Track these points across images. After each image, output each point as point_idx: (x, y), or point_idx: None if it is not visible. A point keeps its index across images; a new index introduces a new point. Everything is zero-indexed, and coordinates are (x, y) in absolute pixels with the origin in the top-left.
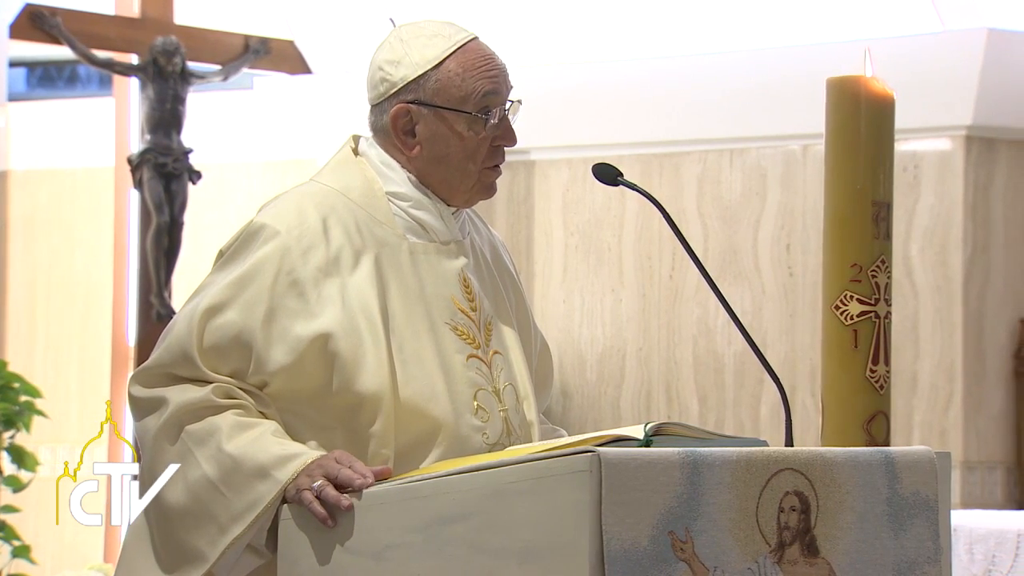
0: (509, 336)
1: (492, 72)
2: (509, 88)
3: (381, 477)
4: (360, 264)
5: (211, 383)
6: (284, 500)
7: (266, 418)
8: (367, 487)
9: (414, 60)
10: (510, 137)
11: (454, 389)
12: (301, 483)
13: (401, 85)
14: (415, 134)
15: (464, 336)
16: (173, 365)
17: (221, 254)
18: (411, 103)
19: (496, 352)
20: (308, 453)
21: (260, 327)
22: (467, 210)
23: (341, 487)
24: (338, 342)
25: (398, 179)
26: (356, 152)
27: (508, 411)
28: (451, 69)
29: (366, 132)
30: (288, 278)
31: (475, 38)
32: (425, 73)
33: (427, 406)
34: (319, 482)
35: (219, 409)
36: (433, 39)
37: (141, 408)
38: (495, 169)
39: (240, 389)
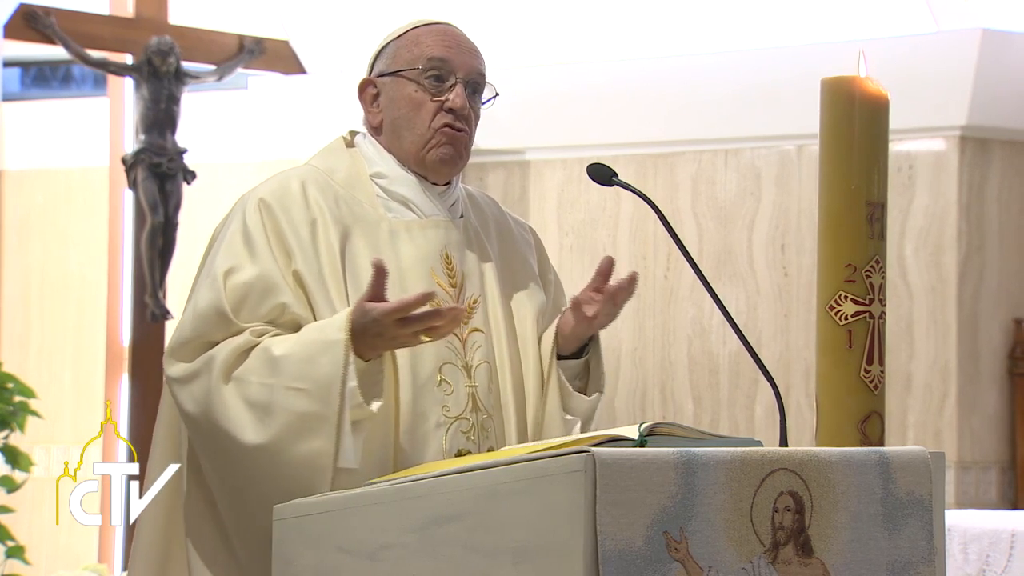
0: (497, 317)
1: (446, 41)
2: (471, 67)
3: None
4: (335, 230)
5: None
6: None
7: None
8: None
9: (385, 38)
10: (456, 99)
11: (417, 360)
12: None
13: (372, 61)
14: (379, 104)
15: None
16: (209, 331)
17: (215, 235)
18: (377, 76)
19: (476, 330)
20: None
21: (277, 268)
22: (465, 190)
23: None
24: (312, 292)
25: (382, 160)
26: (350, 145)
27: (477, 388)
28: (408, 36)
29: (360, 128)
30: (274, 232)
31: (449, 24)
32: (387, 44)
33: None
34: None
35: (258, 343)
36: (406, 24)
37: (186, 380)
38: (446, 131)
39: (273, 327)
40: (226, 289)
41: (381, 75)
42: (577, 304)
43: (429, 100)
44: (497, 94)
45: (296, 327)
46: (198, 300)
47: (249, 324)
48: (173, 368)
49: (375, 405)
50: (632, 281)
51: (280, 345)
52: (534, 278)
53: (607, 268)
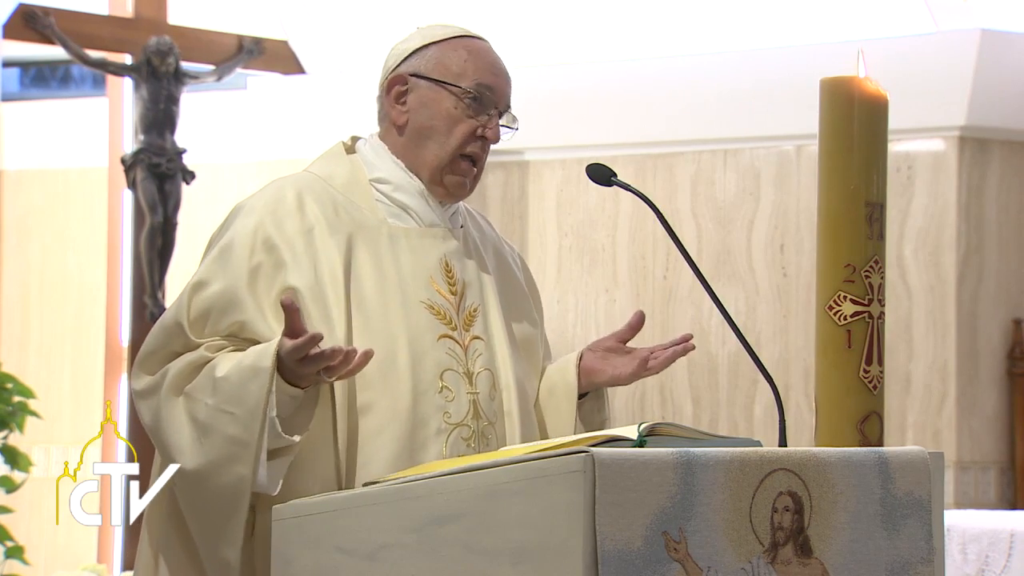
0: (497, 326)
1: (495, 70)
2: (508, 97)
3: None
4: (334, 239)
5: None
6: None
7: None
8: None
9: (424, 37)
10: (493, 131)
11: (419, 366)
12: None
13: (405, 56)
14: (407, 104)
15: (439, 316)
16: (168, 341)
17: (211, 242)
18: (410, 75)
19: (477, 338)
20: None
21: (246, 286)
22: (466, 207)
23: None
24: (305, 302)
25: (384, 164)
26: (350, 150)
27: (479, 395)
28: (455, 48)
29: (362, 134)
30: (264, 244)
31: (487, 41)
32: (428, 45)
33: (383, 381)
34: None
35: (211, 360)
36: (445, 27)
37: (147, 394)
38: (468, 161)
39: (232, 343)
40: (191, 303)
41: (416, 75)
42: (621, 352)
43: (465, 120)
44: (518, 128)
45: (256, 344)
46: (166, 313)
47: (207, 339)
48: (138, 381)
49: (296, 437)
50: (690, 338)
51: (223, 365)
52: (526, 300)
53: (639, 323)
